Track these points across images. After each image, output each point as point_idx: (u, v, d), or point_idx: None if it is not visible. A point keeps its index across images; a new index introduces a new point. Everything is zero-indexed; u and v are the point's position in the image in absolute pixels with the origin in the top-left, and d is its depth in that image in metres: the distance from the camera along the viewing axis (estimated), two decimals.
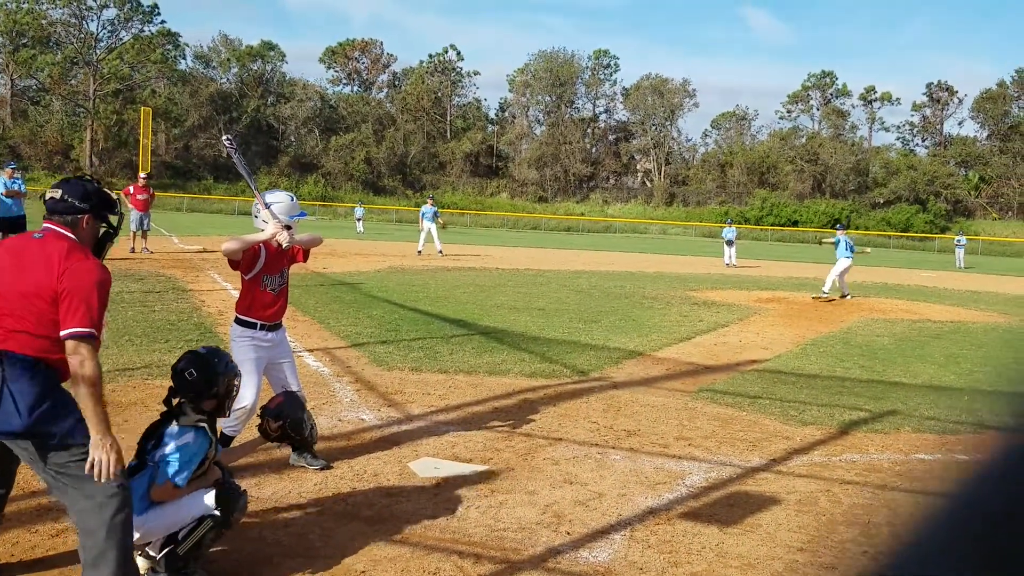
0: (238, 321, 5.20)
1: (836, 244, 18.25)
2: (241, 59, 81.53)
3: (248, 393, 4.93)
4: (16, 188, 16.82)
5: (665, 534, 4.53)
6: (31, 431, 3.18)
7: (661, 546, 4.37)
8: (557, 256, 29.81)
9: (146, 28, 72.04)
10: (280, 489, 4.93)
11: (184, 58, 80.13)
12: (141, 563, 3.71)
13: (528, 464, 5.63)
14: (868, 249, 23.40)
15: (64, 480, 3.25)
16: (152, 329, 9.82)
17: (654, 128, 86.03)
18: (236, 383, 4.00)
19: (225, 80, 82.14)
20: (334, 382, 7.74)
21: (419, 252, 25.24)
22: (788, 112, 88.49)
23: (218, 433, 4.05)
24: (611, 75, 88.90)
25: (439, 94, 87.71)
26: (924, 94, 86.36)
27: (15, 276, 3.29)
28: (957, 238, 41.81)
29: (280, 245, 5.08)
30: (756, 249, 44.28)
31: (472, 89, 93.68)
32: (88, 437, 3.22)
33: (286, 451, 5.42)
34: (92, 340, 3.22)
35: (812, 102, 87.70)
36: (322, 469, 5.30)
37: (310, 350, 9.16)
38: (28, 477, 4.32)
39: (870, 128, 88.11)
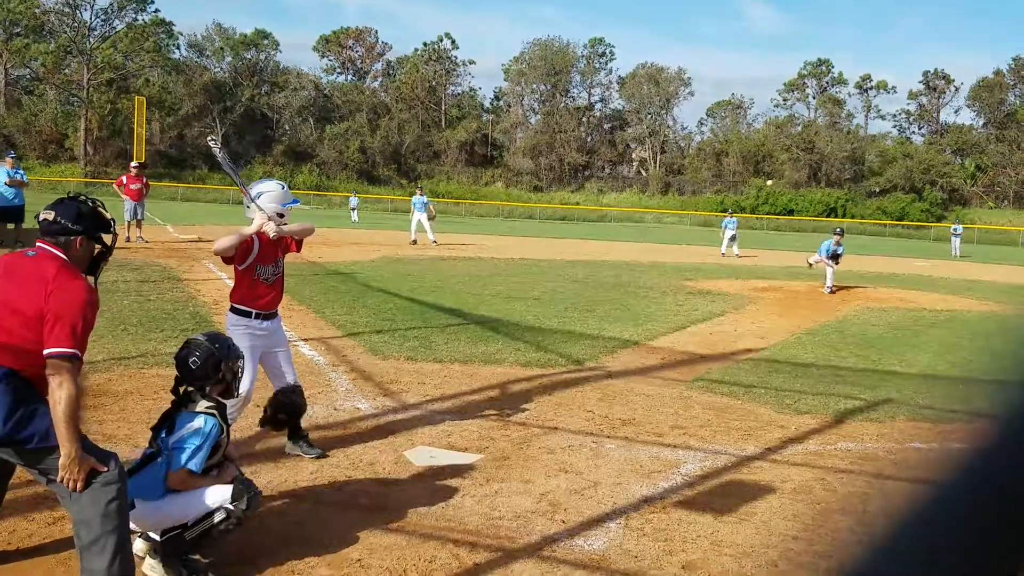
0: (233, 310, 5.20)
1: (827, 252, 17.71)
2: (235, 48, 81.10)
3: (244, 381, 4.92)
4: (19, 178, 16.81)
5: (660, 522, 4.55)
6: (10, 438, 3.25)
7: (656, 534, 4.38)
8: (552, 245, 29.79)
9: (139, 17, 71.45)
10: (276, 478, 4.94)
11: (178, 47, 79.71)
12: (141, 545, 3.73)
13: (523, 453, 5.65)
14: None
15: (53, 476, 3.32)
16: (148, 318, 9.81)
17: (649, 117, 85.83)
18: (240, 365, 4.05)
19: (219, 69, 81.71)
20: (330, 371, 7.74)
21: (413, 242, 25.19)
22: (784, 100, 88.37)
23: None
24: (607, 64, 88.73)
25: (434, 83, 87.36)
26: (920, 82, 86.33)
27: (7, 292, 3.35)
28: (953, 227, 41.82)
29: (268, 235, 5.08)
30: (752, 238, 44.29)
31: (467, 78, 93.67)
32: None
33: (281, 440, 5.43)
34: (74, 360, 3.26)
35: (808, 90, 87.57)
36: (318, 458, 5.31)
37: (306, 339, 9.16)
38: None
39: (866, 116, 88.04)
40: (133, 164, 20.90)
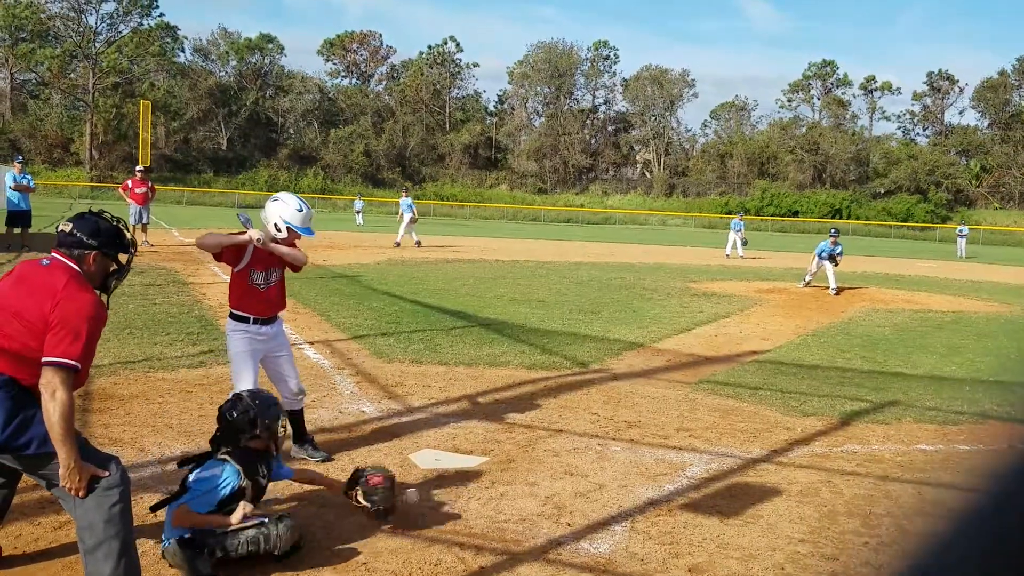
0: (232, 315, 5.20)
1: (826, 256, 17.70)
2: (240, 52, 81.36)
3: (243, 386, 4.92)
4: (25, 183, 16.90)
5: (666, 525, 4.53)
6: (8, 444, 3.25)
7: (662, 537, 4.37)
8: (556, 248, 29.79)
9: (145, 21, 71.83)
10: (281, 481, 4.93)
11: (183, 51, 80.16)
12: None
13: (529, 456, 5.64)
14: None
15: (55, 481, 3.31)
16: (153, 322, 9.83)
17: (653, 119, 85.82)
18: (279, 425, 4.18)
19: (224, 73, 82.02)
20: (335, 374, 7.74)
21: (396, 244, 25.17)
22: (788, 101, 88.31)
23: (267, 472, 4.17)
24: (611, 66, 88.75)
25: (438, 86, 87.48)
26: (925, 83, 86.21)
27: (16, 298, 3.34)
28: (959, 228, 41.73)
29: (252, 240, 5.00)
30: (756, 240, 44.21)
31: (471, 81, 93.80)
32: None
33: (287, 443, 5.42)
34: (71, 372, 3.24)
35: (813, 91, 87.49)
36: (323, 461, 5.31)
37: (310, 342, 9.16)
38: None
39: (871, 117, 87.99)
40: (138, 168, 20.93)
